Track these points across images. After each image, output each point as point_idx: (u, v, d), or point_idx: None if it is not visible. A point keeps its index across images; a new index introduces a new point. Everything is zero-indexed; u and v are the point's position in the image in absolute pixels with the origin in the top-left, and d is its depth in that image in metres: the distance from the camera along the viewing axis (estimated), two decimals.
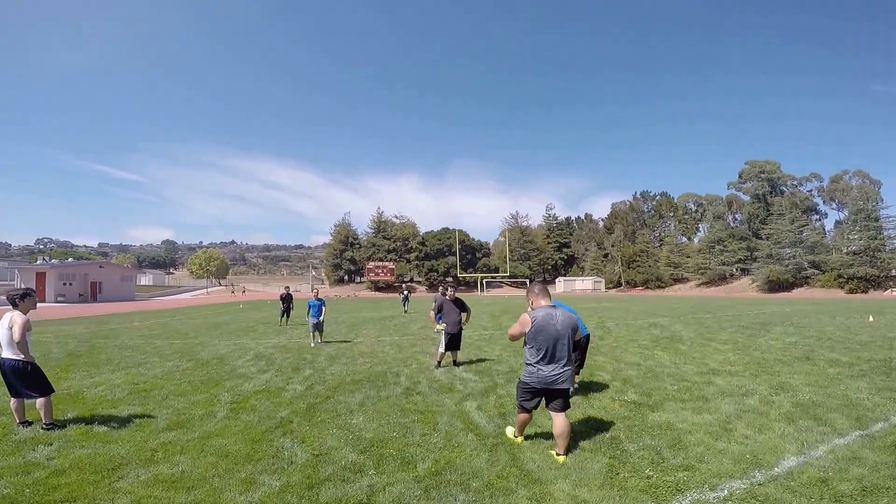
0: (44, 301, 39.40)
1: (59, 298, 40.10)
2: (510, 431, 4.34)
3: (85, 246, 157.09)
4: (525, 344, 4.02)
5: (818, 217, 75.15)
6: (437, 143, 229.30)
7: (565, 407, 3.96)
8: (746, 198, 77.53)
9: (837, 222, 70.03)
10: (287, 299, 16.96)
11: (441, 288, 9.28)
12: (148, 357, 9.40)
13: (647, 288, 72.57)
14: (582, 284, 76.37)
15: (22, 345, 4.56)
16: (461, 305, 7.97)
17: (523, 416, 4.10)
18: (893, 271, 55.09)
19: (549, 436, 4.19)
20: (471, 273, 76.09)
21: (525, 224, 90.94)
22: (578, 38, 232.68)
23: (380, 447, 4.10)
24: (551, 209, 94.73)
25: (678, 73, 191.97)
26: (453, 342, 7.82)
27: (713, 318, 17.90)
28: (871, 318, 16.89)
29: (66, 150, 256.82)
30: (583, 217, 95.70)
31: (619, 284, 76.55)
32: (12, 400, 4.72)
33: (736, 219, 79.76)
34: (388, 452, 3.97)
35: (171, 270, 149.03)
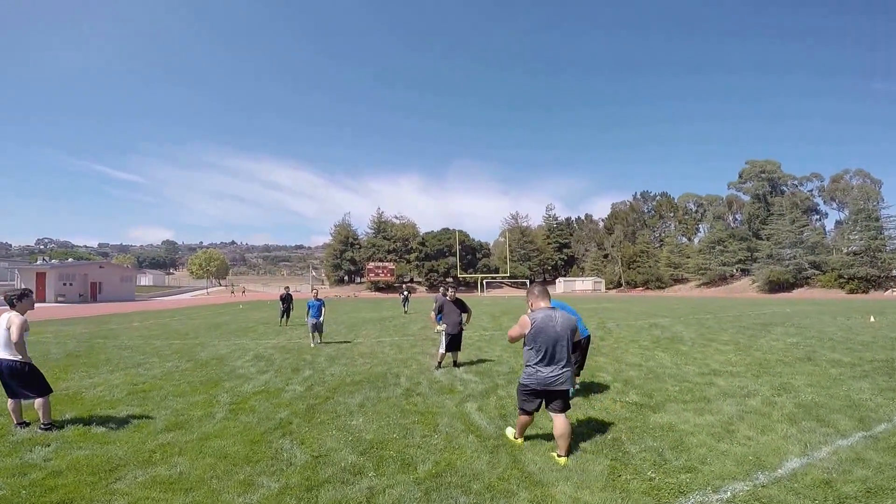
0: (44, 301, 39.42)
1: (59, 299, 40.10)
2: (510, 433, 4.31)
3: (85, 246, 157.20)
4: (525, 345, 4.02)
5: (818, 217, 75.18)
6: (437, 143, 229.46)
7: (565, 408, 3.96)
8: (747, 198, 77.50)
9: (838, 222, 70.06)
10: (287, 300, 16.94)
11: (442, 288, 9.25)
12: (147, 357, 9.37)
13: (648, 288, 72.54)
14: (582, 285, 76.36)
15: (20, 345, 4.54)
16: (462, 306, 7.94)
17: (524, 418, 4.08)
18: (894, 271, 55.00)
19: (550, 437, 4.15)
20: (471, 273, 76.06)
21: (525, 224, 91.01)
22: (579, 37, 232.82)
23: (380, 449, 4.07)
24: (551, 209, 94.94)
25: (678, 73, 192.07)
26: (454, 343, 7.79)
27: (714, 319, 17.86)
28: (872, 319, 16.86)
29: (66, 151, 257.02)
30: (583, 217, 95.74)
31: (619, 285, 76.53)
32: (9, 401, 4.69)
33: (736, 219, 79.75)
34: (387, 454, 3.94)
35: (171, 271, 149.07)
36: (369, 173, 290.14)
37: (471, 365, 8.15)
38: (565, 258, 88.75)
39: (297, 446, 4.14)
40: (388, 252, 79.92)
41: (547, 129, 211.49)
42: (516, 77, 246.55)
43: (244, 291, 70.78)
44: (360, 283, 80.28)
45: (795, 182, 76.45)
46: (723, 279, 70.08)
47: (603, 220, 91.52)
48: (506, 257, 76.40)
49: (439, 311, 7.99)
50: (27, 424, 4.71)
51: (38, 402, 4.64)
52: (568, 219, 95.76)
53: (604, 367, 7.89)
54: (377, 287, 74.63)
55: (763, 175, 74.83)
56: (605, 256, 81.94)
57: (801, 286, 59.32)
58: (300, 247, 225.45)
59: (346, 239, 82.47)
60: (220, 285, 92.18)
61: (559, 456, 3.81)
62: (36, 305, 34.17)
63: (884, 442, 4.12)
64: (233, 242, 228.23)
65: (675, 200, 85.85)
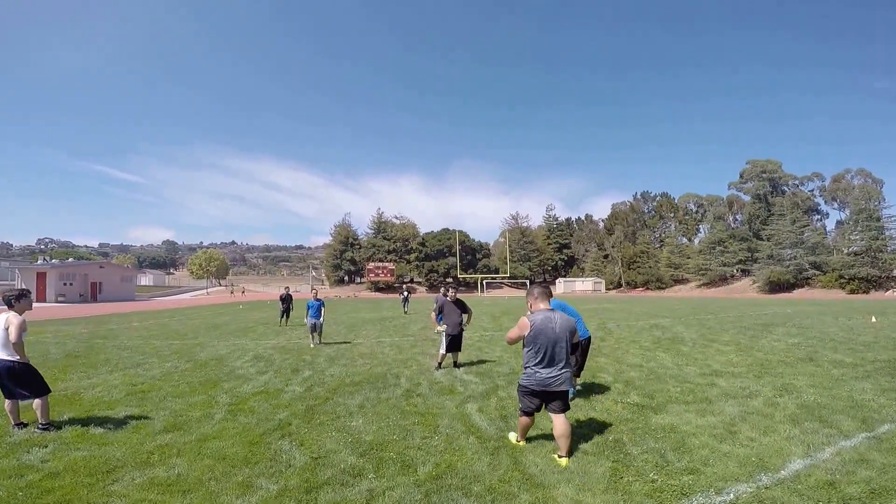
0: (44, 301, 39.42)
1: (60, 298, 40.08)
2: (513, 437, 4.28)
3: (86, 246, 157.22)
4: (524, 347, 4.04)
5: (820, 217, 75.14)
6: (437, 143, 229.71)
7: (565, 409, 3.97)
8: (747, 198, 77.47)
9: (839, 222, 70.00)
10: (287, 300, 16.92)
11: (442, 289, 9.22)
12: (146, 358, 9.34)
13: (648, 289, 72.50)
14: (582, 285, 76.34)
15: (19, 346, 4.52)
16: (462, 306, 7.91)
17: (525, 419, 4.08)
18: (895, 272, 54.95)
19: (551, 439, 4.12)
20: (471, 274, 76.02)
21: (525, 225, 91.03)
22: (579, 36, 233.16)
23: (379, 450, 4.04)
24: (551, 210, 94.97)
25: (678, 72, 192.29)
26: (454, 343, 7.76)
27: (715, 320, 17.83)
28: (873, 319, 16.82)
29: (67, 151, 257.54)
30: (583, 218, 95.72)
31: (619, 285, 76.50)
32: (7, 401, 4.66)
33: (737, 219, 79.72)
34: (387, 456, 3.91)
35: (171, 271, 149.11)
36: (369, 173, 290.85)
37: (471, 366, 8.12)
38: (565, 258, 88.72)
39: (297, 448, 4.11)
40: (389, 252, 79.90)
41: (547, 128, 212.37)
42: (517, 77, 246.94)
43: (244, 291, 70.77)
44: (360, 283, 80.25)
45: (796, 182, 76.42)
46: (723, 279, 70.03)
47: (603, 221, 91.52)
48: (506, 258, 76.37)
49: (440, 311, 7.96)
50: (25, 425, 4.68)
51: (36, 402, 4.61)
52: (568, 219, 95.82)
53: (605, 367, 7.86)
54: (377, 287, 74.61)
55: (764, 175, 74.80)
56: (606, 257, 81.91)
57: (802, 286, 59.26)
58: (300, 247, 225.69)
59: (346, 239, 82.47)
60: (220, 285, 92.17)
61: (560, 457, 3.80)
62: (36, 305, 34.28)
63: (887, 443, 4.09)
64: (233, 242, 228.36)
65: (676, 201, 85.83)
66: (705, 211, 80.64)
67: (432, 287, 74.76)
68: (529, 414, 4.03)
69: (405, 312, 22.71)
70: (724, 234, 71.36)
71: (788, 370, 7.45)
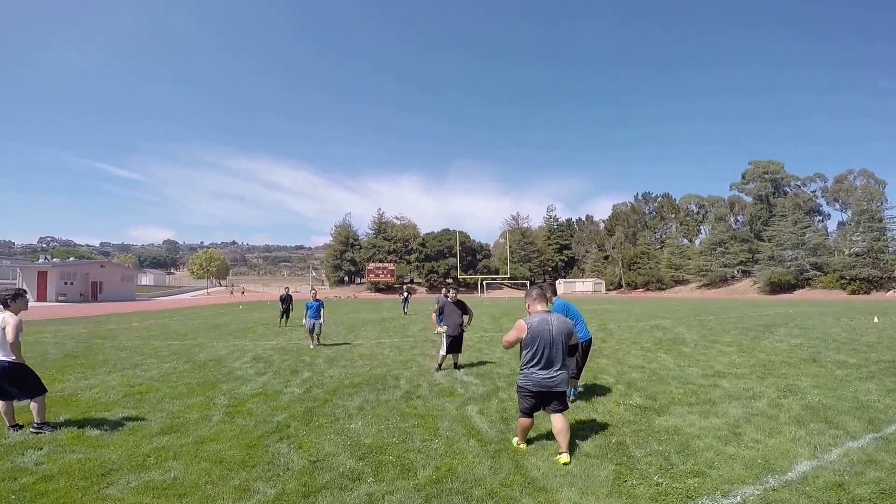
0: (45, 300, 39.43)
1: (60, 298, 40.07)
2: (516, 442, 4.23)
3: (87, 245, 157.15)
4: (521, 348, 4.08)
5: (821, 218, 75.11)
6: (437, 143, 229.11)
7: (563, 408, 4.01)
8: (749, 199, 77.43)
9: (840, 223, 69.96)
10: (286, 300, 16.87)
11: (444, 289, 9.17)
12: (145, 358, 9.29)
13: (648, 290, 72.44)
14: (582, 286, 76.26)
15: (16, 346, 4.48)
16: (463, 307, 7.85)
17: (524, 420, 4.07)
18: None
19: (552, 441, 4.06)
20: (471, 275, 75.98)
21: (525, 226, 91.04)
22: (580, 35, 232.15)
23: (379, 453, 3.98)
24: (552, 210, 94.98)
25: (679, 72, 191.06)
26: (454, 345, 7.71)
27: (716, 320, 17.77)
28: (875, 320, 16.75)
29: (68, 149, 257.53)
30: (584, 218, 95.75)
31: (619, 286, 76.44)
32: (1, 403, 4.61)
33: (738, 220, 79.65)
34: (387, 459, 3.85)
35: (171, 270, 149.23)
36: (370, 173, 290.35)
37: (471, 367, 8.06)
38: (566, 259, 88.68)
39: (295, 451, 4.05)
40: (389, 253, 79.89)
41: (548, 128, 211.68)
42: (517, 76, 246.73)
43: (243, 292, 70.76)
44: (361, 283, 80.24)
45: (798, 183, 76.41)
46: (723, 280, 69.96)
47: (604, 222, 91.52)
48: (506, 258, 76.33)
49: (440, 312, 7.90)
50: (20, 427, 4.63)
51: (32, 403, 4.56)
52: (568, 220, 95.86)
53: (606, 369, 7.80)
54: (377, 288, 74.58)
55: (766, 176, 74.76)
56: (606, 258, 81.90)
57: (803, 287, 59.21)
58: (300, 247, 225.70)
59: (346, 239, 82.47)
60: (221, 286, 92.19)
61: (560, 452, 3.80)
62: (37, 304, 34.25)
63: (895, 443, 4.03)
64: (233, 242, 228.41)
65: (677, 201, 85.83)
66: (706, 212, 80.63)
67: (432, 288, 74.72)
68: (528, 415, 4.04)
69: (405, 313, 22.64)
70: (726, 234, 71.32)
71: (792, 371, 7.39)
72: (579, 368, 5.81)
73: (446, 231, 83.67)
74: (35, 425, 4.55)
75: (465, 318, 7.86)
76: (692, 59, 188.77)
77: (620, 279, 76.73)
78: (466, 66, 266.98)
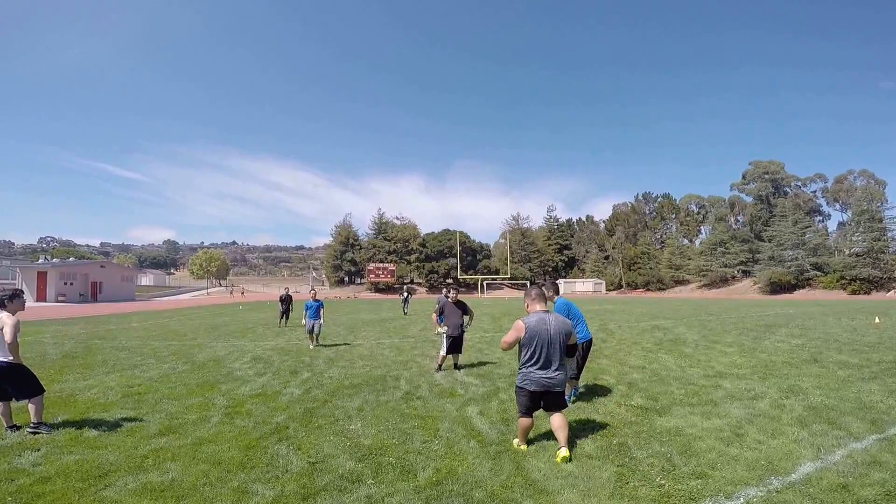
0: (44, 300, 39.37)
1: (60, 298, 40.01)
2: (517, 443, 4.20)
3: (87, 245, 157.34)
4: (520, 348, 4.10)
5: (822, 219, 75.08)
6: (438, 144, 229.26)
7: (561, 407, 4.04)
8: (749, 199, 77.38)
9: (841, 223, 69.94)
10: (286, 301, 16.84)
11: (445, 290, 9.14)
12: (144, 359, 9.26)
13: (648, 290, 72.38)
14: (583, 286, 76.19)
15: (14, 346, 4.46)
16: (463, 308, 7.82)
17: (524, 420, 4.05)
18: None
19: (553, 442, 4.03)
20: (471, 275, 75.92)
21: (526, 226, 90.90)
22: (581, 35, 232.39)
23: (378, 455, 3.95)
24: (552, 211, 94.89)
25: (679, 72, 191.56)
26: (455, 345, 7.67)
27: (716, 321, 17.73)
28: (877, 320, 16.71)
29: (68, 149, 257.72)
30: (584, 219, 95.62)
31: (619, 286, 76.37)
32: None
33: (738, 221, 79.61)
34: (387, 460, 3.82)
35: (171, 271, 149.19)
36: (370, 174, 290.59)
37: (472, 367, 8.02)
38: (566, 259, 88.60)
39: (294, 452, 4.02)
40: (389, 253, 79.80)
41: (548, 129, 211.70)
42: (518, 76, 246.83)
43: (243, 292, 70.71)
44: (361, 283, 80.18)
45: (799, 183, 76.38)
46: (724, 281, 69.90)
47: (604, 222, 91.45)
48: (506, 259, 76.27)
49: (440, 312, 7.87)
50: (18, 428, 4.60)
51: (30, 402, 4.54)
52: (569, 220, 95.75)
53: (607, 369, 7.76)
54: (377, 288, 74.52)
55: (766, 176, 74.72)
56: (606, 258, 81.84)
57: (803, 287, 59.17)
58: (301, 247, 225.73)
59: (346, 240, 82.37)
60: (221, 286, 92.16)
61: (560, 448, 3.81)
62: (37, 305, 34.19)
63: None
64: (234, 243, 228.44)
65: (677, 202, 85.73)
66: (707, 212, 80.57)
67: (433, 288, 74.67)
68: (528, 415, 4.03)
69: (405, 313, 22.59)
70: (726, 235, 71.26)
71: (793, 371, 7.36)
72: (579, 369, 5.78)
73: (446, 231, 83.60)
74: (32, 425, 4.53)
75: (466, 318, 7.83)
76: (692, 59, 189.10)
77: (621, 279, 76.67)
78: (467, 66, 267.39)
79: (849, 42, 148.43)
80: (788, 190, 75.95)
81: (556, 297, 5.60)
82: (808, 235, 62.35)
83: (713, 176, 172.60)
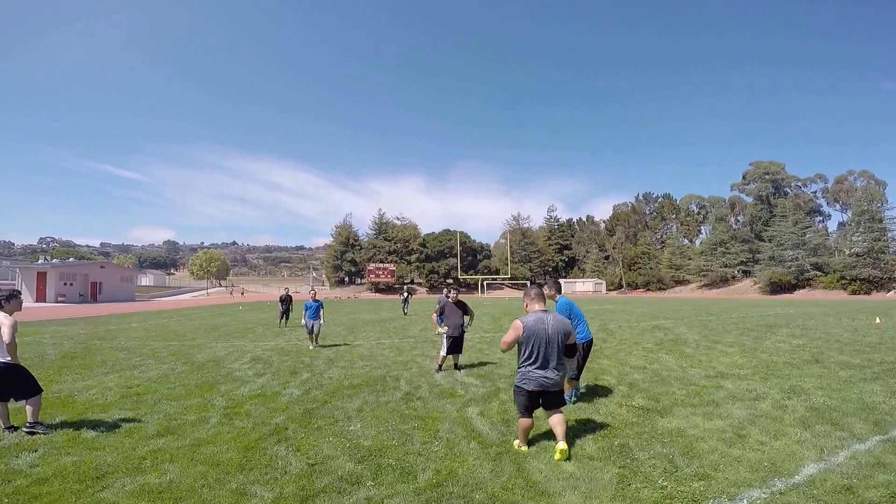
0: (44, 301, 39.35)
1: (60, 298, 39.99)
2: (517, 444, 4.18)
3: (87, 246, 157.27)
4: (519, 348, 4.11)
5: (822, 219, 75.06)
6: (439, 144, 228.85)
7: (560, 405, 4.05)
8: (749, 199, 77.36)
9: (841, 224, 69.91)
10: (286, 301, 16.82)
11: (445, 290, 9.12)
12: (143, 359, 9.23)
13: (648, 290, 72.35)
14: (583, 286, 76.17)
15: (12, 347, 4.44)
16: (464, 308, 7.79)
17: (524, 421, 4.03)
18: None
19: (554, 442, 4.00)
20: (472, 275, 75.89)
21: (526, 226, 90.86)
22: (582, 35, 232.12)
23: (378, 456, 3.92)
24: (553, 211, 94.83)
25: (679, 72, 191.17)
26: (455, 345, 7.65)
27: (717, 321, 17.69)
28: (878, 320, 16.68)
29: (68, 149, 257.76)
30: (584, 219, 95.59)
31: (620, 286, 76.34)
32: None
33: (738, 221, 79.60)
34: (386, 462, 3.79)
35: (172, 271, 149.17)
36: (370, 174, 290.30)
37: (472, 368, 8.00)
38: (566, 259, 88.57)
39: (293, 453, 3.99)
40: (389, 253, 79.76)
41: (549, 129, 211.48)
42: (519, 76, 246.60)
43: (243, 292, 70.68)
44: (361, 284, 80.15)
45: (799, 183, 76.37)
46: (724, 281, 69.86)
47: (604, 222, 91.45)
48: (507, 259, 76.26)
49: (441, 312, 7.84)
50: (16, 429, 4.58)
51: (27, 403, 4.52)
52: (569, 220, 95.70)
53: (608, 370, 7.73)
54: (377, 288, 74.49)
55: (767, 176, 74.70)
56: (607, 258, 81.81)
57: (803, 287, 59.13)
58: (301, 248, 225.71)
59: (346, 240, 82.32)
60: (220, 286, 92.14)
61: (558, 444, 3.81)
62: (37, 305, 34.17)
63: None
64: (234, 243, 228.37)
65: (678, 202, 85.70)
66: (707, 212, 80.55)
67: (433, 288, 74.63)
68: (528, 415, 4.02)
69: (405, 314, 22.55)
70: (726, 235, 71.24)
71: (795, 372, 7.33)
72: (580, 369, 5.74)
73: (447, 231, 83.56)
74: (28, 424, 4.51)
75: (467, 318, 7.80)
76: (692, 59, 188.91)
77: (621, 279, 76.64)
78: (468, 66, 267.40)
79: (849, 42, 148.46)
80: (789, 190, 75.93)
81: (557, 296, 5.57)
82: (808, 235, 62.32)
83: (713, 176, 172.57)
